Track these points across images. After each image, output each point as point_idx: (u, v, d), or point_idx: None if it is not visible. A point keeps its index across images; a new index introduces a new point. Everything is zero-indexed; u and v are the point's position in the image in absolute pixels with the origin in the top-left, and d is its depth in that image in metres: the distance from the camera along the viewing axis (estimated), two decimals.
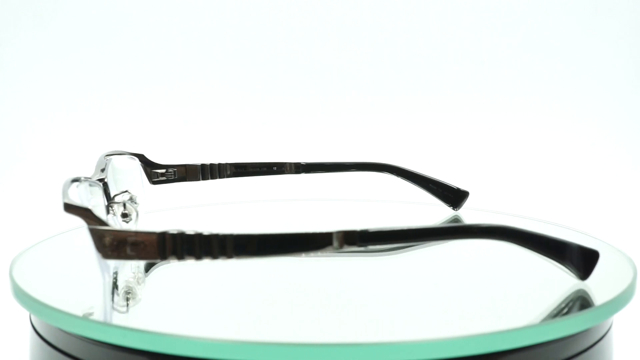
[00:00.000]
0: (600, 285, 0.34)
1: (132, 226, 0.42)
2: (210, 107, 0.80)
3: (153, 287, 0.37)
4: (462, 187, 0.49)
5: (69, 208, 0.32)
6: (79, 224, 0.32)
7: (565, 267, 0.34)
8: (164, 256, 0.31)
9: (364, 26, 0.81)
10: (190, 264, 0.37)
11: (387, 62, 0.81)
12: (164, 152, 0.57)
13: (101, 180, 0.40)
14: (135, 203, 0.43)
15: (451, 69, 0.80)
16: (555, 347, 0.31)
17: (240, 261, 0.32)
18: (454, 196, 0.48)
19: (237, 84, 0.81)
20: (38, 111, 0.79)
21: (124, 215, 0.41)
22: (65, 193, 0.33)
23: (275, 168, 0.49)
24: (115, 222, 0.41)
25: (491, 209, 0.50)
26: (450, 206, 0.48)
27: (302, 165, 0.49)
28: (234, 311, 0.34)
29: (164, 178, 0.47)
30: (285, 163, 0.49)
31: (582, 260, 0.34)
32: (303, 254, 0.33)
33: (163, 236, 0.31)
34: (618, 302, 0.33)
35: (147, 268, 0.39)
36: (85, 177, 0.38)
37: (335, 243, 0.32)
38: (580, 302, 0.33)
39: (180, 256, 0.31)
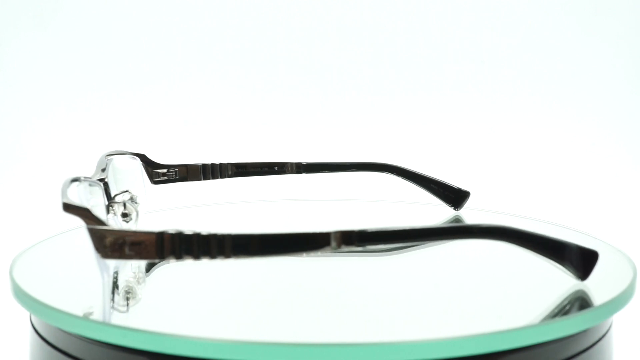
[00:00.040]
0: (600, 285, 0.34)
1: (132, 226, 0.42)
2: (210, 107, 0.80)
3: (153, 287, 0.37)
4: (463, 187, 0.49)
5: (68, 208, 0.32)
6: (79, 224, 0.32)
7: (565, 267, 0.34)
8: (162, 256, 0.31)
9: (364, 26, 0.81)
10: (190, 264, 0.37)
11: (387, 62, 0.81)
12: (164, 152, 0.57)
13: (102, 180, 0.40)
14: (136, 203, 0.43)
15: (451, 69, 0.80)
16: (555, 347, 0.31)
17: (240, 261, 0.33)
18: (455, 196, 0.48)
19: (237, 84, 0.81)
20: (38, 111, 0.79)
21: (124, 215, 0.41)
22: (64, 193, 0.33)
23: (276, 168, 0.49)
24: (115, 222, 0.41)
25: (491, 209, 0.50)
26: (451, 206, 0.48)
27: (303, 165, 0.49)
28: (234, 311, 0.34)
29: (165, 178, 0.47)
30: (287, 163, 0.49)
31: (581, 260, 0.34)
32: (301, 254, 0.33)
33: (161, 236, 0.31)
34: (618, 302, 0.33)
35: (148, 268, 0.39)
36: (85, 177, 0.38)
37: (333, 243, 0.32)
38: (580, 302, 0.33)
39: (179, 256, 0.31)
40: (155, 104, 0.80)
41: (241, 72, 0.81)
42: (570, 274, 0.34)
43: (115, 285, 0.36)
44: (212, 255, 0.31)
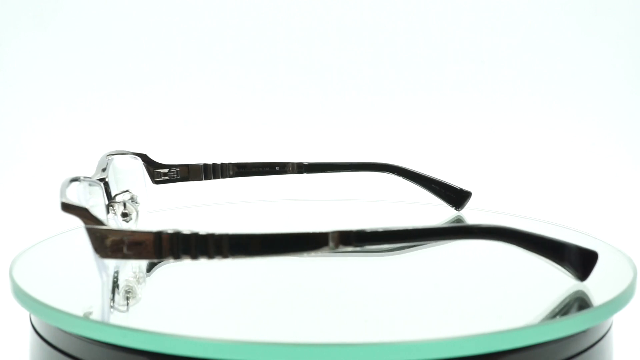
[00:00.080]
0: (600, 285, 0.34)
1: (132, 226, 0.42)
2: (210, 107, 0.80)
3: (153, 287, 0.37)
4: (464, 187, 0.49)
5: (67, 208, 0.32)
6: (79, 224, 0.32)
7: (564, 268, 0.34)
8: (160, 256, 0.31)
9: (364, 26, 0.81)
10: (190, 264, 0.37)
11: (387, 62, 0.81)
12: (165, 152, 0.57)
13: (102, 179, 0.40)
14: (136, 203, 0.43)
15: (451, 69, 0.80)
16: (555, 347, 0.31)
17: (240, 261, 0.33)
18: (456, 196, 0.48)
19: (237, 84, 0.81)
20: (38, 111, 0.79)
21: (124, 215, 0.41)
22: (63, 193, 0.33)
23: (277, 168, 0.49)
24: (116, 222, 0.41)
25: (492, 209, 0.50)
26: (452, 206, 0.48)
27: (305, 165, 0.49)
28: (234, 311, 0.34)
29: (166, 178, 0.47)
30: (288, 163, 0.49)
31: (581, 261, 0.34)
32: (299, 254, 0.33)
33: (159, 236, 0.31)
34: (618, 302, 0.33)
35: (149, 268, 0.39)
36: (84, 177, 0.38)
37: (331, 243, 0.32)
38: (580, 302, 0.33)
39: (177, 256, 0.31)
40: (156, 104, 0.80)
41: (241, 72, 0.81)
42: (569, 274, 0.34)
43: (115, 285, 0.36)
44: (210, 255, 0.31)
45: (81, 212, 0.32)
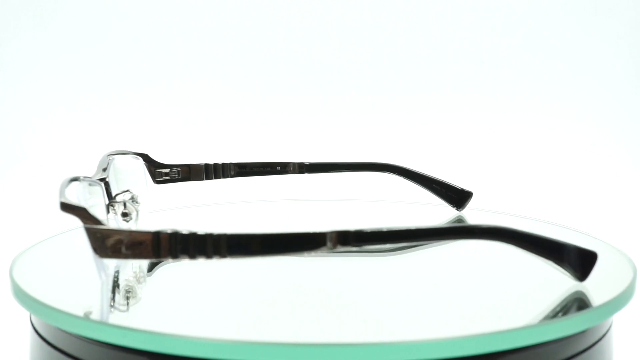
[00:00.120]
0: (600, 285, 0.34)
1: (132, 225, 0.42)
2: (210, 107, 0.80)
3: (153, 286, 0.37)
4: (464, 187, 0.49)
5: (65, 207, 0.32)
6: (79, 224, 0.32)
7: (564, 268, 0.34)
8: (159, 255, 0.31)
9: (364, 26, 0.81)
10: (190, 264, 0.37)
11: (387, 62, 0.81)
12: (165, 152, 0.57)
13: (102, 179, 0.40)
14: (137, 202, 0.43)
15: (451, 69, 0.80)
16: (555, 347, 0.31)
17: (240, 261, 0.33)
18: (457, 196, 0.48)
19: (237, 84, 0.81)
20: (38, 111, 0.79)
21: (124, 215, 0.42)
22: (62, 192, 0.33)
23: (279, 168, 0.49)
24: (116, 222, 0.41)
25: (492, 209, 0.50)
26: (453, 207, 0.48)
27: (306, 165, 0.49)
28: (234, 311, 0.34)
29: (167, 178, 0.47)
30: (289, 163, 0.49)
31: (580, 261, 0.34)
32: (298, 254, 0.33)
33: (158, 235, 0.31)
34: (618, 302, 0.33)
35: (151, 268, 0.39)
36: (84, 177, 0.38)
37: (329, 243, 0.32)
38: (580, 302, 0.33)
39: (175, 255, 0.31)
40: (156, 104, 0.80)
41: (241, 72, 0.81)
42: (569, 275, 0.34)
43: (115, 285, 0.36)
44: (209, 255, 0.31)
45: (80, 212, 0.32)
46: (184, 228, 0.31)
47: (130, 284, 0.37)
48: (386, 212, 0.51)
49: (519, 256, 0.35)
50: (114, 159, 0.42)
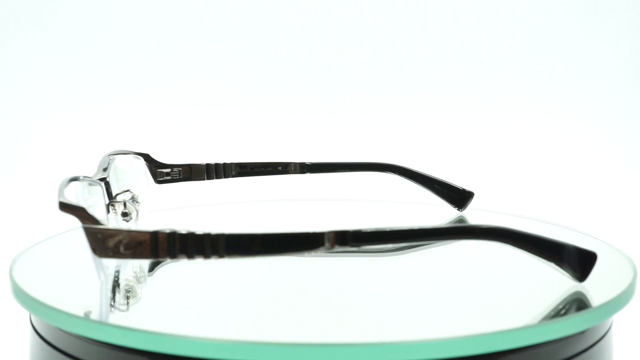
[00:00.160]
0: (600, 285, 0.34)
1: (132, 225, 0.42)
2: (209, 107, 0.80)
3: (153, 286, 0.37)
4: (465, 187, 0.49)
5: (64, 207, 0.32)
6: (79, 224, 0.32)
7: (563, 269, 0.34)
8: (157, 255, 0.31)
9: (364, 26, 0.81)
10: (190, 264, 0.37)
11: (387, 62, 0.81)
12: (165, 152, 0.57)
13: (103, 179, 0.40)
14: (137, 202, 0.43)
15: (451, 69, 0.80)
16: (555, 347, 0.31)
17: (240, 261, 0.33)
18: (458, 197, 0.48)
19: (237, 84, 0.81)
20: (38, 111, 0.79)
21: (124, 215, 0.42)
22: (61, 192, 0.34)
23: (280, 168, 0.49)
24: (116, 221, 0.41)
25: (491, 209, 0.50)
26: (455, 207, 0.48)
27: (307, 165, 0.49)
28: (234, 311, 0.34)
29: (169, 177, 0.47)
30: (290, 163, 0.49)
31: (579, 262, 0.34)
32: (296, 254, 0.33)
33: (156, 235, 0.31)
34: (618, 302, 0.33)
35: (152, 268, 0.39)
36: (84, 177, 0.38)
37: (327, 243, 0.32)
38: (580, 302, 0.33)
39: (173, 255, 0.31)
40: (156, 104, 0.80)
41: (241, 72, 0.81)
42: (568, 275, 0.34)
43: (116, 284, 0.36)
44: (207, 254, 0.31)
45: (78, 212, 0.32)
46: (182, 228, 0.31)
47: (130, 284, 0.37)
48: (387, 212, 0.51)
49: (519, 256, 0.35)
50: (114, 158, 0.42)
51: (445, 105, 0.80)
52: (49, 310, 0.32)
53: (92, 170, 0.41)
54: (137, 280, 0.37)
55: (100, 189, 0.39)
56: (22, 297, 0.34)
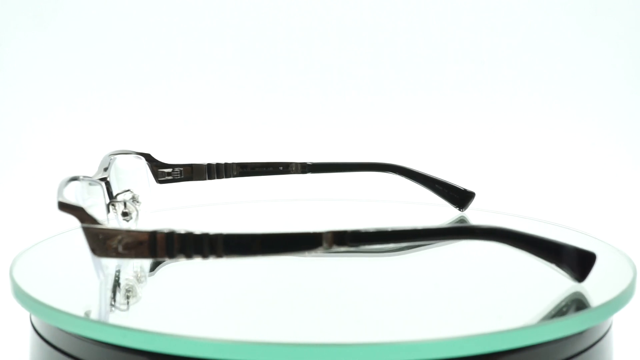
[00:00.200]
0: (600, 285, 0.34)
1: (132, 225, 0.42)
2: (209, 108, 0.80)
3: (153, 286, 0.37)
4: (465, 187, 0.48)
5: (63, 207, 0.32)
6: (79, 224, 0.32)
7: (562, 269, 0.34)
8: (155, 255, 0.31)
9: (364, 26, 0.81)
10: (190, 263, 0.37)
11: (387, 62, 0.81)
12: (165, 152, 0.57)
13: (103, 179, 0.40)
14: (137, 202, 0.43)
15: (451, 69, 0.80)
16: (555, 347, 0.31)
17: (240, 261, 0.33)
18: (459, 197, 0.48)
19: (237, 84, 0.81)
20: (38, 111, 0.79)
21: (124, 214, 0.42)
22: (60, 192, 0.34)
23: (281, 168, 0.49)
24: (117, 221, 0.41)
25: (491, 209, 0.50)
26: (456, 207, 0.48)
27: (308, 165, 0.49)
28: (234, 311, 0.34)
29: (170, 177, 0.47)
30: (291, 163, 0.49)
31: (579, 262, 0.34)
32: (294, 254, 0.33)
33: (154, 235, 0.31)
34: (618, 302, 0.33)
35: (153, 267, 0.39)
36: (84, 176, 0.38)
37: (325, 243, 0.32)
38: (580, 302, 0.33)
39: (171, 255, 0.31)
40: (156, 104, 0.80)
41: (241, 72, 0.81)
42: (567, 275, 0.34)
43: (116, 284, 0.36)
44: (205, 254, 0.31)
45: (77, 212, 0.32)
46: (181, 228, 0.31)
47: (130, 284, 0.37)
48: (388, 213, 0.51)
49: (519, 256, 0.35)
50: (115, 158, 0.42)
51: (445, 105, 0.80)
52: (49, 310, 0.32)
53: (92, 170, 0.41)
54: (138, 280, 0.37)
55: (100, 189, 0.39)
56: (22, 297, 0.34)
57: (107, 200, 0.40)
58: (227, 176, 0.48)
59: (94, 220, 0.32)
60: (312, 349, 0.29)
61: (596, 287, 0.34)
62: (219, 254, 0.31)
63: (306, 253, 0.32)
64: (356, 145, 0.78)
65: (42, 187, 0.73)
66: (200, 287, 0.37)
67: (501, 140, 0.78)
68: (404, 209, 0.51)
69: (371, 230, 0.32)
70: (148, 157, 0.46)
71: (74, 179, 0.37)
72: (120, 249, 0.31)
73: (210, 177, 0.48)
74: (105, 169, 0.41)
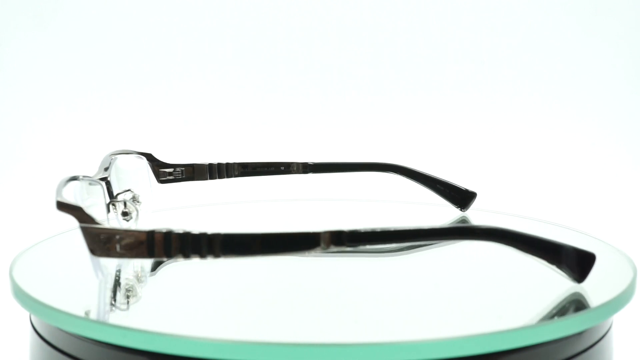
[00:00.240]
0: (599, 285, 0.34)
1: (132, 225, 0.42)
2: (210, 107, 0.80)
3: (154, 286, 0.37)
4: (466, 187, 0.48)
5: (62, 206, 0.32)
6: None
7: (562, 270, 0.34)
8: (153, 255, 0.31)
9: (364, 26, 0.81)
10: (190, 263, 0.37)
11: (387, 62, 0.81)
12: (165, 152, 0.57)
13: (104, 179, 0.40)
14: (138, 202, 0.43)
15: (451, 69, 0.80)
16: (555, 347, 0.31)
17: (240, 261, 0.33)
18: (461, 197, 0.48)
19: (238, 84, 0.81)
20: (38, 111, 0.79)
21: (124, 214, 0.42)
22: (59, 192, 0.34)
23: (282, 168, 0.49)
24: (118, 221, 0.41)
25: (491, 209, 0.50)
26: (457, 207, 0.48)
27: (310, 165, 0.49)
28: (234, 311, 0.34)
29: (171, 177, 0.47)
30: (293, 163, 0.49)
31: (578, 262, 0.34)
32: (292, 254, 0.33)
33: (152, 235, 0.31)
34: (618, 302, 0.33)
35: (154, 267, 0.39)
36: (84, 176, 0.38)
37: (323, 243, 0.32)
38: (580, 302, 0.33)
39: (169, 254, 0.31)
40: (156, 104, 0.80)
41: (241, 72, 0.81)
42: (567, 276, 0.34)
43: (116, 284, 0.36)
44: (202, 254, 0.31)
45: (76, 211, 0.32)
46: (179, 227, 0.31)
47: (130, 283, 0.37)
48: (389, 213, 0.51)
49: (519, 256, 0.35)
50: (116, 158, 0.42)
51: (446, 105, 0.80)
52: (49, 310, 0.32)
53: (92, 170, 0.41)
54: (138, 279, 0.37)
55: (100, 189, 0.39)
56: (22, 297, 0.34)
57: (107, 200, 0.40)
58: (229, 176, 0.48)
59: (92, 220, 0.32)
60: (312, 349, 0.29)
61: (596, 287, 0.34)
62: (216, 254, 0.31)
63: (304, 253, 0.32)
64: (357, 146, 0.78)
65: (42, 187, 0.73)
66: (200, 287, 0.37)
67: (501, 140, 0.78)
68: (406, 209, 0.51)
69: (369, 231, 0.32)
70: (149, 157, 0.46)
71: (74, 178, 0.37)
72: (118, 248, 0.31)
73: (212, 177, 0.48)
74: (106, 169, 0.41)
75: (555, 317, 0.32)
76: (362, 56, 0.81)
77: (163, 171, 0.46)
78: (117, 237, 0.31)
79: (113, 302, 0.34)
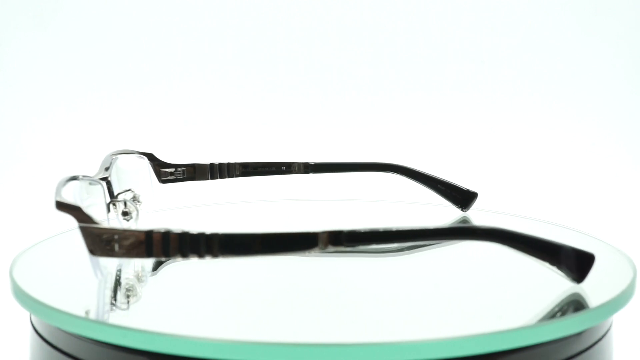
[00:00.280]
0: (599, 285, 0.34)
1: (132, 224, 0.42)
2: (210, 108, 0.80)
3: (154, 286, 0.37)
4: (467, 187, 0.48)
5: (61, 206, 0.32)
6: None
7: (561, 270, 0.34)
8: (151, 254, 0.31)
9: (364, 26, 0.81)
10: (190, 263, 0.37)
11: (387, 62, 0.81)
12: (165, 152, 0.57)
13: (104, 178, 0.40)
14: (138, 202, 0.43)
15: (451, 69, 0.80)
16: (555, 347, 0.31)
17: (240, 261, 0.33)
18: (462, 197, 0.48)
19: (238, 84, 0.81)
20: (38, 111, 0.79)
21: (125, 214, 0.42)
22: (58, 192, 0.34)
23: (284, 168, 0.49)
24: (118, 221, 0.41)
25: (491, 209, 0.50)
26: (458, 207, 0.48)
27: (311, 165, 0.49)
28: (234, 311, 0.34)
29: (172, 177, 0.47)
30: (294, 163, 0.49)
31: (577, 263, 0.34)
32: (290, 254, 0.33)
33: (150, 234, 0.31)
34: (617, 302, 0.33)
35: (155, 267, 0.39)
36: (84, 176, 0.38)
37: (321, 244, 0.32)
38: (580, 302, 0.33)
39: (167, 254, 0.31)
40: (156, 104, 0.80)
41: (241, 72, 0.81)
42: (566, 276, 0.34)
43: (117, 283, 0.36)
44: (201, 254, 0.31)
45: (75, 211, 0.32)
46: (177, 227, 0.31)
47: (130, 283, 0.37)
48: (390, 213, 0.51)
49: (519, 256, 0.35)
50: (117, 158, 0.42)
51: (446, 105, 0.80)
52: (49, 310, 0.32)
53: (92, 170, 0.41)
54: (138, 279, 0.37)
55: (100, 189, 0.39)
56: (22, 297, 0.34)
57: (108, 200, 0.40)
58: (230, 176, 0.48)
59: (91, 220, 0.32)
60: (312, 349, 0.29)
61: (596, 287, 0.34)
62: (214, 254, 0.31)
63: (302, 253, 0.32)
64: (358, 146, 0.78)
65: (42, 187, 0.73)
66: (200, 287, 0.37)
67: (502, 140, 0.78)
68: (406, 209, 0.51)
69: (367, 231, 0.32)
70: (151, 157, 0.46)
71: (73, 178, 0.37)
72: (116, 248, 0.31)
73: (213, 177, 0.48)
74: (107, 169, 0.41)
75: (555, 318, 0.32)
76: (362, 56, 0.81)
77: (164, 171, 0.46)
78: (116, 236, 0.31)
79: (113, 302, 0.34)
